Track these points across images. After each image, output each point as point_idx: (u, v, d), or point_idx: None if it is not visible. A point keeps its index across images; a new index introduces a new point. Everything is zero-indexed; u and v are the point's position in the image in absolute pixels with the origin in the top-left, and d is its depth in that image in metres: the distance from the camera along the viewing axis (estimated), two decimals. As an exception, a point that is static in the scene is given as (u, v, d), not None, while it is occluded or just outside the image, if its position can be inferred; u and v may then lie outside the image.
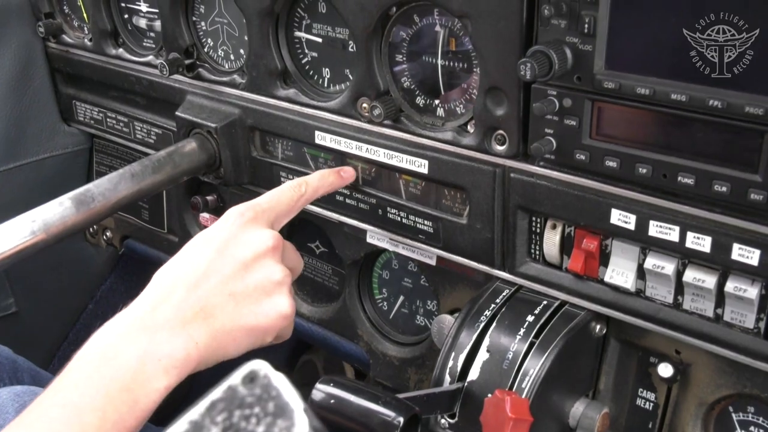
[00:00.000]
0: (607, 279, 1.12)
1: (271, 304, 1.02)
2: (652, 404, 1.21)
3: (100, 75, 1.73)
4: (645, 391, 1.21)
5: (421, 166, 1.25)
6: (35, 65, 1.80)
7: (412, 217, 1.30)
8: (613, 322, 1.19)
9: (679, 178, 0.99)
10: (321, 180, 1.22)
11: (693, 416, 1.16)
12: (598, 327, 1.19)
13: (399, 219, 1.32)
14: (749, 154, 0.93)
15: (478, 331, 1.16)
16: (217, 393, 0.48)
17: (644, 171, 1.01)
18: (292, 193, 1.16)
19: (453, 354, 1.17)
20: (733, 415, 1.15)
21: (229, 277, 1.00)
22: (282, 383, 0.48)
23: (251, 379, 0.48)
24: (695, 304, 1.07)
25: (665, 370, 1.14)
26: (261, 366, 0.48)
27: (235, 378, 0.48)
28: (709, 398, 1.14)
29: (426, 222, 1.29)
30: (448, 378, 1.16)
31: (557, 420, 1.15)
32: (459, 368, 1.14)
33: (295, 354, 2.31)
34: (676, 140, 0.99)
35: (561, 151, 1.08)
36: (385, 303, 1.52)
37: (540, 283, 1.20)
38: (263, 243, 1.04)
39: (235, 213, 1.08)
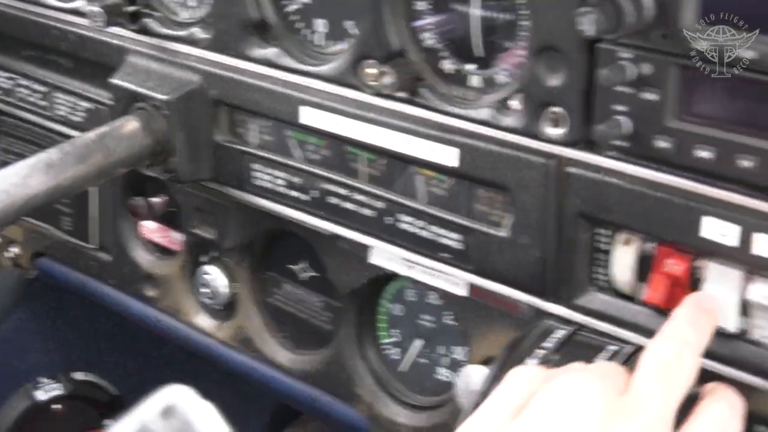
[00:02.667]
0: (699, 316, 1.17)
1: None
2: (761, 494, 1.25)
3: (7, 26, 1.81)
4: (752, 477, 1.25)
5: (449, 156, 1.30)
6: None
7: (433, 228, 1.36)
8: (708, 376, 1.23)
9: (802, 175, 1.04)
10: (692, 328, 1.08)
11: None
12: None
13: (415, 230, 1.38)
14: None
15: (520, 386, 1.21)
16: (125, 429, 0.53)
17: (749, 165, 1.06)
18: (665, 357, 1.03)
19: (484, 418, 1.21)
20: None
21: None
22: (207, 418, 0.53)
23: (168, 412, 0.53)
24: (821, 351, 1.11)
25: (779, 445, 1.18)
26: (181, 395, 0.53)
27: (149, 410, 0.52)
28: (842, 488, 1.18)
29: (453, 235, 1.34)
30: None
31: None
32: (492, 437, 1.19)
33: (277, 424, 2.36)
34: (793, 122, 1.04)
35: (637, 137, 1.13)
36: (397, 350, 1.57)
37: (607, 321, 1.25)
38: None
39: (582, 405, 0.97)
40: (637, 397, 0.98)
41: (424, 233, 1.37)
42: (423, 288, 1.50)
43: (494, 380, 1.24)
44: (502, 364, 1.25)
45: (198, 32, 1.54)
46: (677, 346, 1.04)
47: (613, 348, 1.24)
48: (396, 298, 1.56)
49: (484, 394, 1.23)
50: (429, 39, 1.33)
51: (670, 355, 1.03)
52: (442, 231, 1.35)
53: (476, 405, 1.23)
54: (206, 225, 1.69)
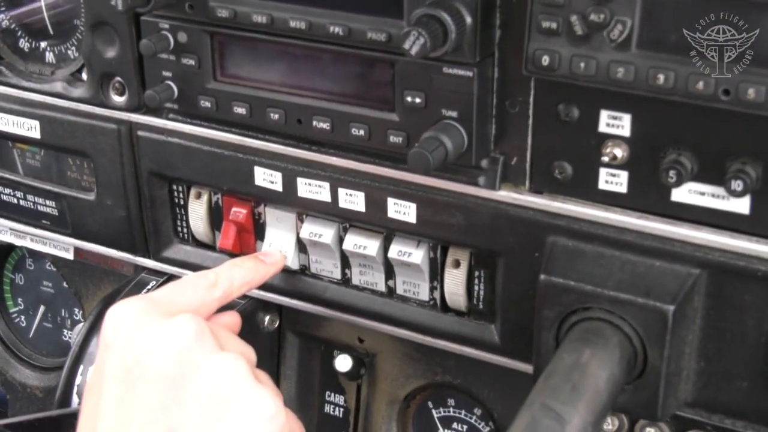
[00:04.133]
0: (264, 256, 1.31)
1: (240, 412, 0.97)
2: (342, 409, 1.41)
3: None
4: (333, 395, 1.41)
5: (32, 129, 1.39)
6: None
7: (31, 198, 1.44)
8: (286, 312, 1.38)
9: (315, 123, 1.18)
10: (234, 267, 1.19)
11: (386, 417, 1.37)
12: (268, 318, 1.38)
13: (16, 201, 1.46)
14: (383, 90, 1.14)
15: (113, 337, 1.32)
16: None
17: (276, 117, 1.20)
18: (198, 281, 1.13)
19: (82, 368, 1.32)
20: (433, 411, 1.37)
21: (157, 408, 0.96)
22: None
23: None
24: (364, 277, 1.27)
25: (342, 363, 1.34)
26: None
27: None
28: (400, 393, 1.35)
29: (49, 202, 1.43)
30: (76, 399, 1.31)
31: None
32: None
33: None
34: (306, 78, 1.18)
35: (184, 99, 1.25)
36: (23, 317, 1.65)
37: (192, 269, 1.36)
38: (180, 335, 1.00)
39: (120, 313, 1.03)
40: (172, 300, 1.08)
41: (23, 203, 1.46)
42: (40, 256, 1.58)
43: (88, 332, 1.35)
44: (95, 318, 1.36)
45: None
46: (213, 275, 1.14)
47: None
48: (17, 268, 1.63)
49: (80, 344, 1.34)
50: (4, 20, 1.40)
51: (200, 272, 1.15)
52: (39, 200, 1.44)
53: (72, 356, 1.35)
54: None
